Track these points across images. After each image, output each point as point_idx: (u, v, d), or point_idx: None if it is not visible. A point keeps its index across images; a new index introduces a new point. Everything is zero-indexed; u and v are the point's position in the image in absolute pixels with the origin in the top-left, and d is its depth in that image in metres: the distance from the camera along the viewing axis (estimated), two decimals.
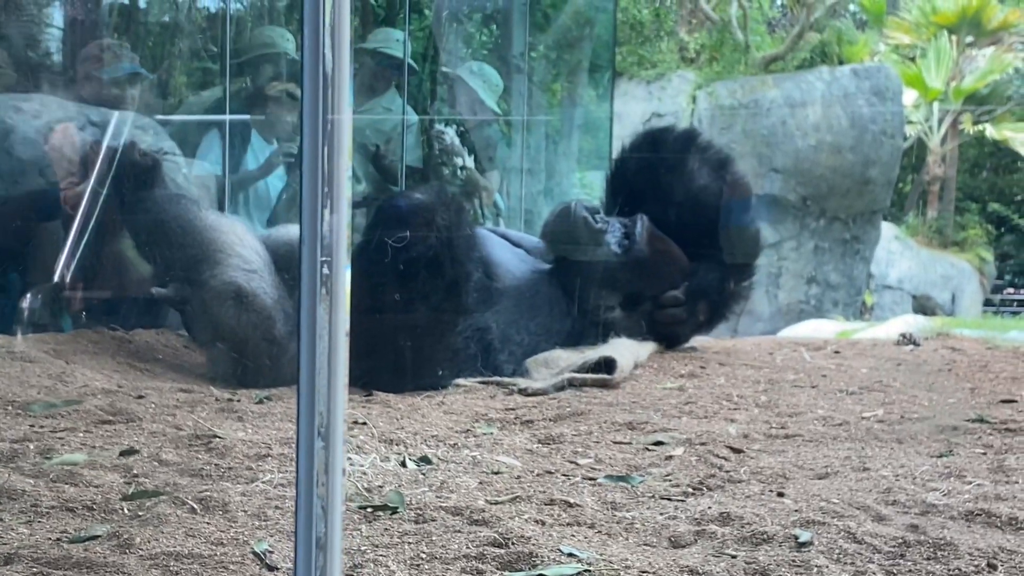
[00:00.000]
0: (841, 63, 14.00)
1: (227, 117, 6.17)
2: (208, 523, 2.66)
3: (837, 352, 5.60)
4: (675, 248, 5.29)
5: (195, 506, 2.76)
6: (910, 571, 2.46)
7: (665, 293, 5.24)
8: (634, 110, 13.15)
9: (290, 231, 5.15)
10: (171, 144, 5.92)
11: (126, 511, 2.73)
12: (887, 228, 15.64)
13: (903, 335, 6.15)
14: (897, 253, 16.52)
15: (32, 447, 3.22)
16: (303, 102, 1.21)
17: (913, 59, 19.04)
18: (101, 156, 4.99)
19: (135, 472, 3.06)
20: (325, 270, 1.20)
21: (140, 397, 4.00)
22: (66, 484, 2.91)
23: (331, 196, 1.18)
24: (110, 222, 4.95)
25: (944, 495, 3.04)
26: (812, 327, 9.47)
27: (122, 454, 3.23)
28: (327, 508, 1.18)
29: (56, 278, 4.79)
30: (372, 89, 7.21)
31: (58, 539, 2.53)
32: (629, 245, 5.16)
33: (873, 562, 2.56)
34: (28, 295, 4.81)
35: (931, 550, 2.58)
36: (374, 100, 7.20)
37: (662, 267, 5.25)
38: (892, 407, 4.32)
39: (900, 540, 2.68)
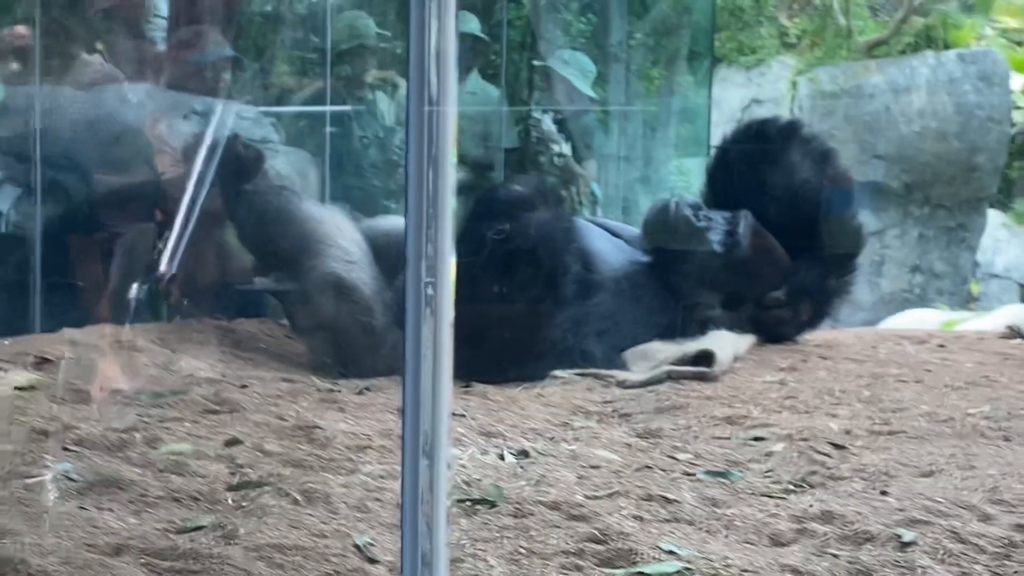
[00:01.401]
0: (946, 48, 13.73)
1: (328, 108, 6.24)
2: (310, 515, 2.70)
3: (942, 345, 5.49)
4: (778, 246, 5.22)
5: (298, 497, 2.80)
6: (1016, 572, 2.42)
7: (767, 292, 5.18)
8: (733, 97, 13.01)
9: (390, 222, 5.19)
10: (273, 135, 6.00)
11: (231, 502, 2.78)
12: (993, 215, 15.30)
13: (1010, 327, 6.01)
14: (1004, 241, 16.15)
15: (139, 437, 3.29)
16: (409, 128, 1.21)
17: (1021, 43, 18.60)
18: (205, 147, 5.06)
19: (239, 462, 3.11)
20: (429, 291, 1.21)
21: (243, 387, 4.06)
22: (173, 474, 2.97)
23: (435, 217, 1.19)
24: (213, 213, 5.03)
25: None
26: (916, 317, 9.31)
27: (227, 444, 3.28)
28: (431, 525, 1.19)
29: (162, 268, 4.88)
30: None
31: (165, 529, 2.58)
32: (732, 243, 5.10)
33: (978, 563, 2.53)
34: (135, 285, 4.90)
35: None
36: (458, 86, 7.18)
37: (765, 266, 5.19)
38: (999, 403, 4.23)
39: (1006, 540, 2.63)
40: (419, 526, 1.19)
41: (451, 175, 1.23)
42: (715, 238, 5.12)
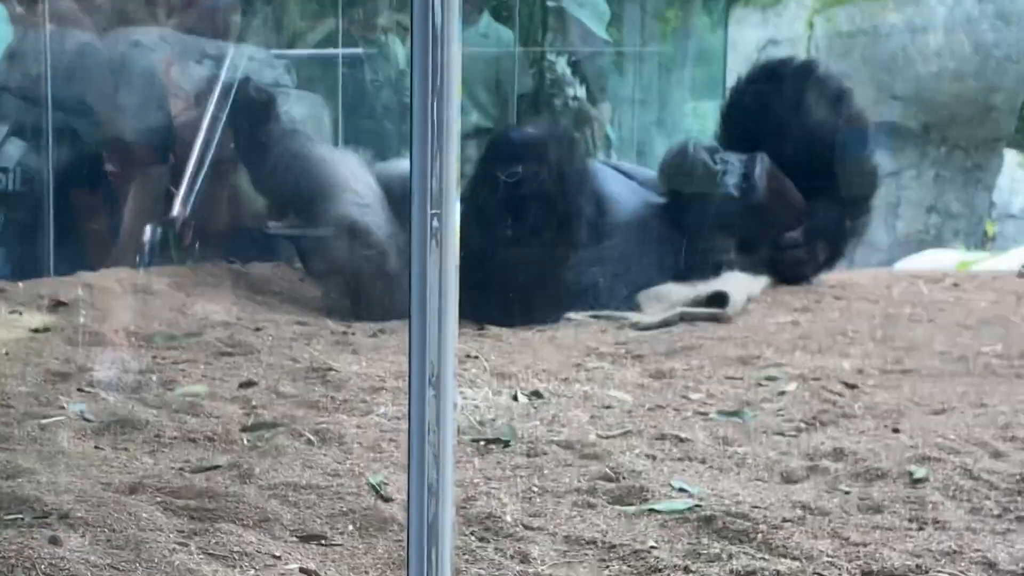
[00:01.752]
0: None
1: (340, 51, 6.21)
2: (324, 455, 2.72)
3: (956, 285, 5.49)
4: (793, 188, 5.21)
5: (312, 438, 2.82)
6: None
7: (783, 233, 5.18)
8: (749, 37, 12.87)
9: (403, 165, 5.17)
10: (286, 78, 5.97)
11: (245, 442, 2.81)
12: (1010, 156, 15.19)
13: None
14: (1021, 181, 16.04)
15: (155, 378, 3.32)
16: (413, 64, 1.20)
17: None
18: (217, 91, 5.05)
19: (254, 404, 3.13)
20: (435, 223, 1.21)
21: (258, 329, 4.08)
22: (188, 415, 2.99)
23: (441, 149, 1.18)
24: (226, 157, 5.03)
25: None
26: (932, 257, 9.28)
27: (241, 386, 3.30)
28: (439, 456, 1.20)
29: (175, 212, 4.88)
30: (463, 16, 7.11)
31: (180, 469, 2.60)
32: (748, 186, 5.09)
33: (990, 499, 2.53)
34: (149, 229, 4.91)
35: None
36: (468, 29, 7.12)
37: (780, 208, 5.18)
38: (1012, 342, 4.23)
39: (1018, 477, 2.64)
40: (426, 457, 1.20)
41: (456, 107, 1.23)
42: (731, 181, 5.10)
